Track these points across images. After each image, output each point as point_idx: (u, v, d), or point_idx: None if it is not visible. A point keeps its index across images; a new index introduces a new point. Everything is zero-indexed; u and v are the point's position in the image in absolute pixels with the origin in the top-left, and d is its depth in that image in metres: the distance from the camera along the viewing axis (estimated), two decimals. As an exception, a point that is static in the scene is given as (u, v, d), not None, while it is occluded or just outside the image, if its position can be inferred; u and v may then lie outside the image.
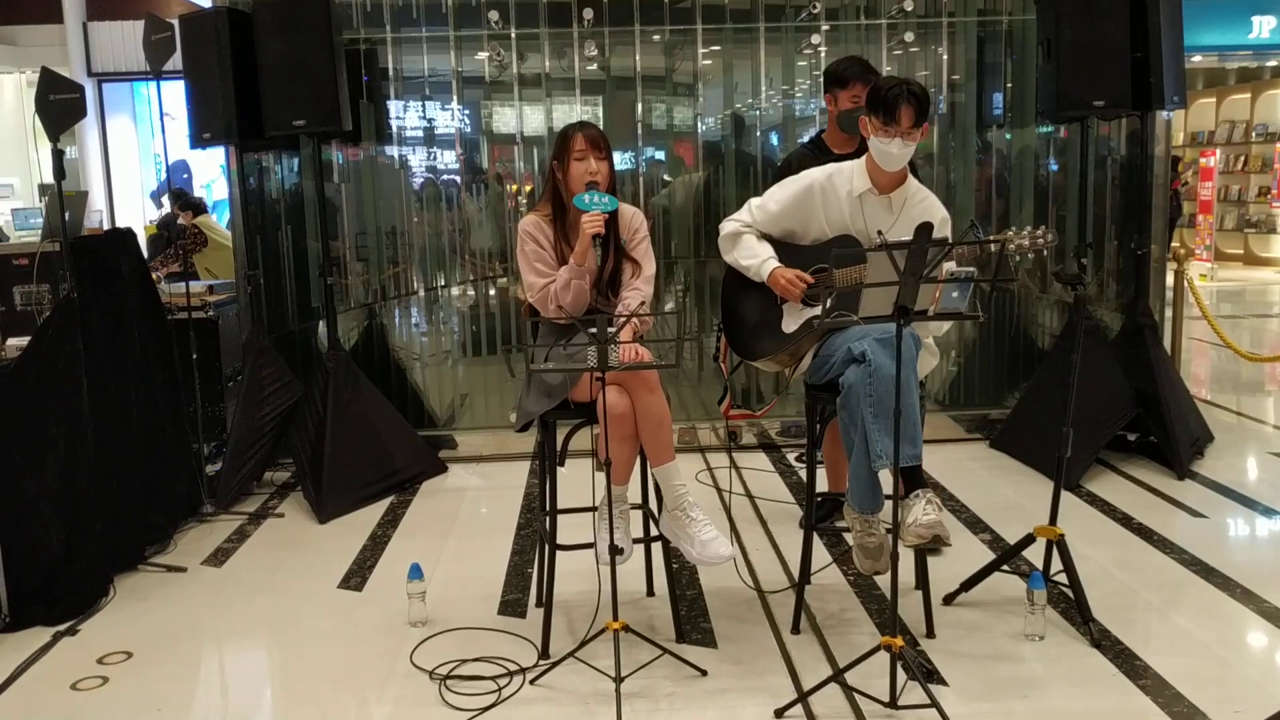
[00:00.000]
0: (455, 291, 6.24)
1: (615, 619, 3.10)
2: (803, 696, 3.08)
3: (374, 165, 6.06)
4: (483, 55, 6.00)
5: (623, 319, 3.28)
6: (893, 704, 2.94)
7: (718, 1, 6.00)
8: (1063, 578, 3.56)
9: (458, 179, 6.19)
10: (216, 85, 5.02)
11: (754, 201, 3.65)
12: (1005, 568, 3.79)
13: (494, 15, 5.84)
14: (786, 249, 3.56)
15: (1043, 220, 6.09)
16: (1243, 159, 15.22)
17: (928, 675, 3.19)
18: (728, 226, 3.64)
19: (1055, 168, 6.12)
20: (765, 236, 3.61)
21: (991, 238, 3.24)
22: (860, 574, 3.89)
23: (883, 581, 3.85)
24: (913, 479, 3.19)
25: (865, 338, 3.17)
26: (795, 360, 3.60)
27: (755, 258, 3.52)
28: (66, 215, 4.09)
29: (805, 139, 4.59)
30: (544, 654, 3.43)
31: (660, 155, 6.30)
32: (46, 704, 3.26)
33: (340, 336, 5.46)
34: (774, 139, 6.29)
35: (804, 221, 3.55)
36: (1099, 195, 5.91)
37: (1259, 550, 4.41)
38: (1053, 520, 3.59)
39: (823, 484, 4.01)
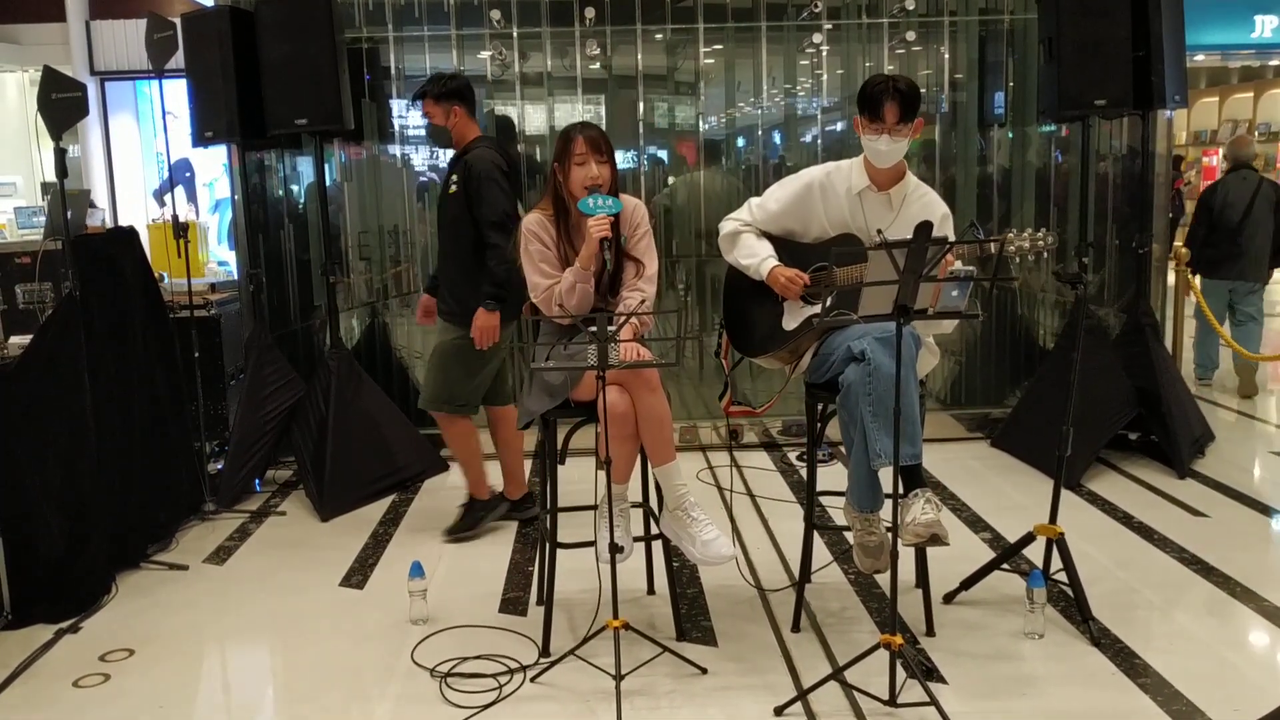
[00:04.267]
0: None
1: (616, 617, 3.11)
2: (803, 694, 3.09)
3: (376, 164, 6.06)
4: (485, 54, 6.01)
5: (623, 318, 3.28)
6: (892, 702, 2.95)
7: (719, 0, 6.00)
8: (1063, 576, 3.57)
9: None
10: (219, 84, 5.03)
11: (754, 201, 3.65)
12: (1005, 566, 3.80)
13: (496, 14, 5.85)
14: (788, 247, 3.56)
15: (1044, 219, 6.10)
16: (1245, 158, 15.18)
17: (927, 673, 3.19)
18: (727, 226, 3.64)
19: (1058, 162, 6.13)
20: (766, 235, 3.61)
21: (992, 238, 3.24)
22: (860, 572, 3.90)
23: (883, 580, 3.85)
24: (912, 478, 3.20)
25: (865, 337, 3.17)
26: (795, 358, 3.60)
27: (754, 256, 3.52)
28: (69, 214, 4.10)
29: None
30: (545, 652, 3.44)
31: (662, 154, 6.31)
32: (48, 701, 3.27)
33: (342, 335, 5.47)
34: (776, 138, 6.30)
35: (804, 220, 3.55)
36: (1100, 194, 5.91)
37: (1259, 549, 4.41)
38: (1053, 519, 3.60)
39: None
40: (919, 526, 3.10)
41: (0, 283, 4.44)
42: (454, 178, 4.43)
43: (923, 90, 6.07)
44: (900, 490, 3.14)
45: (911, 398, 3.12)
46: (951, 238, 3.35)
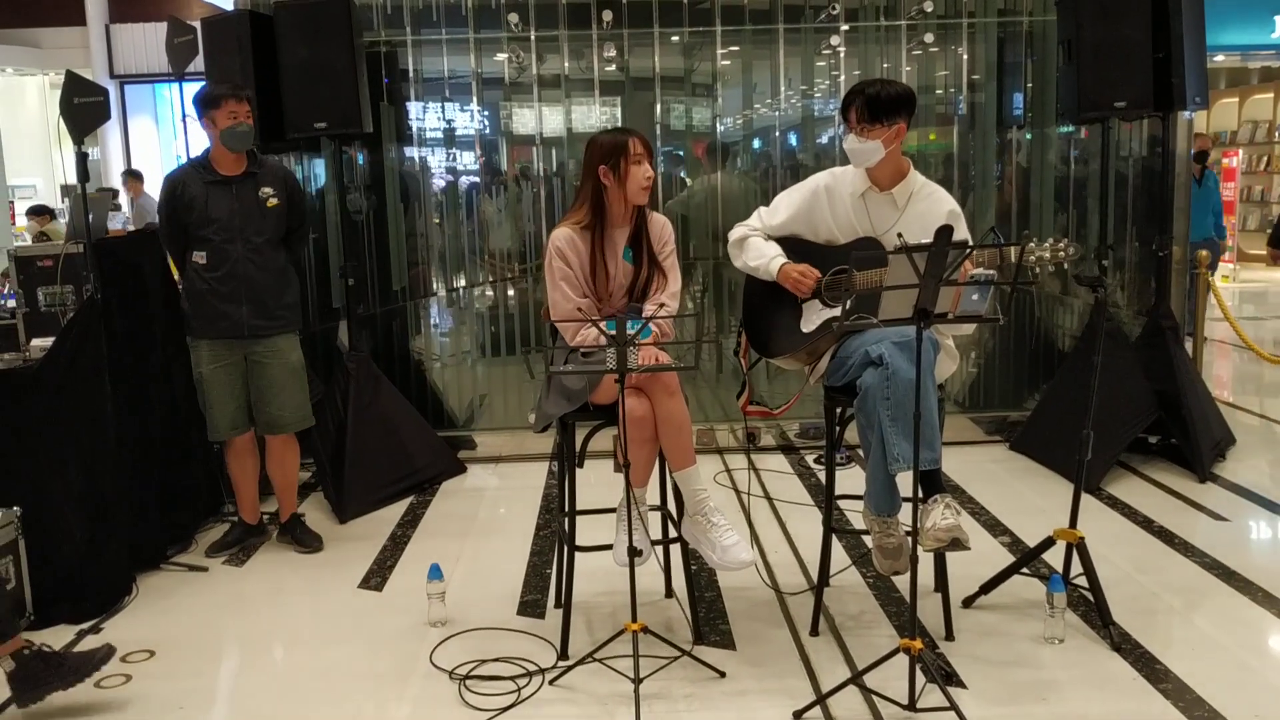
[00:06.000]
0: (475, 292, 6.26)
1: (634, 620, 3.11)
2: (821, 699, 3.09)
3: (394, 167, 6.07)
4: (502, 57, 6.02)
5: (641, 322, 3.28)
6: (911, 706, 2.94)
7: (737, 2, 6.00)
8: (1083, 581, 3.55)
9: (477, 180, 6.21)
10: (238, 87, 5.06)
11: (762, 209, 3.65)
12: (1025, 570, 3.78)
13: (513, 17, 5.86)
14: (804, 252, 3.55)
15: (1063, 220, 6.07)
16: (1266, 159, 15.10)
17: (946, 678, 3.18)
18: (736, 233, 3.64)
19: (1075, 168, 6.10)
20: (776, 240, 3.60)
21: (1012, 243, 3.23)
22: (879, 575, 3.89)
23: (902, 584, 3.84)
24: (931, 483, 3.18)
25: (882, 341, 3.16)
26: (814, 359, 3.59)
27: (763, 257, 3.52)
28: (90, 216, 4.13)
29: (196, 158, 4.47)
30: (563, 655, 3.44)
31: (679, 156, 6.31)
32: (70, 701, 3.28)
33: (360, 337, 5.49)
34: (793, 140, 6.29)
35: (813, 225, 3.55)
36: (1119, 196, 5.88)
37: (1281, 554, 4.39)
38: (1073, 523, 3.58)
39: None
40: (939, 531, 3.09)
41: (22, 285, 4.47)
42: (268, 190, 4.35)
43: (940, 92, 6.13)
44: (919, 495, 3.13)
45: (930, 402, 3.11)
46: (963, 233, 3.34)
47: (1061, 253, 3.22)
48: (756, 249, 3.56)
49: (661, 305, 3.51)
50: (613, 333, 3.00)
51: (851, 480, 4.74)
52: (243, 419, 4.44)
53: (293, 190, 4.48)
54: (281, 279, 4.43)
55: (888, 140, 3.38)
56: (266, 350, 4.38)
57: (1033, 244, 3.21)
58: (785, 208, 3.59)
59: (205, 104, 4.28)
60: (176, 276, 4.64)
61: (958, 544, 3.13)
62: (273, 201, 4.35)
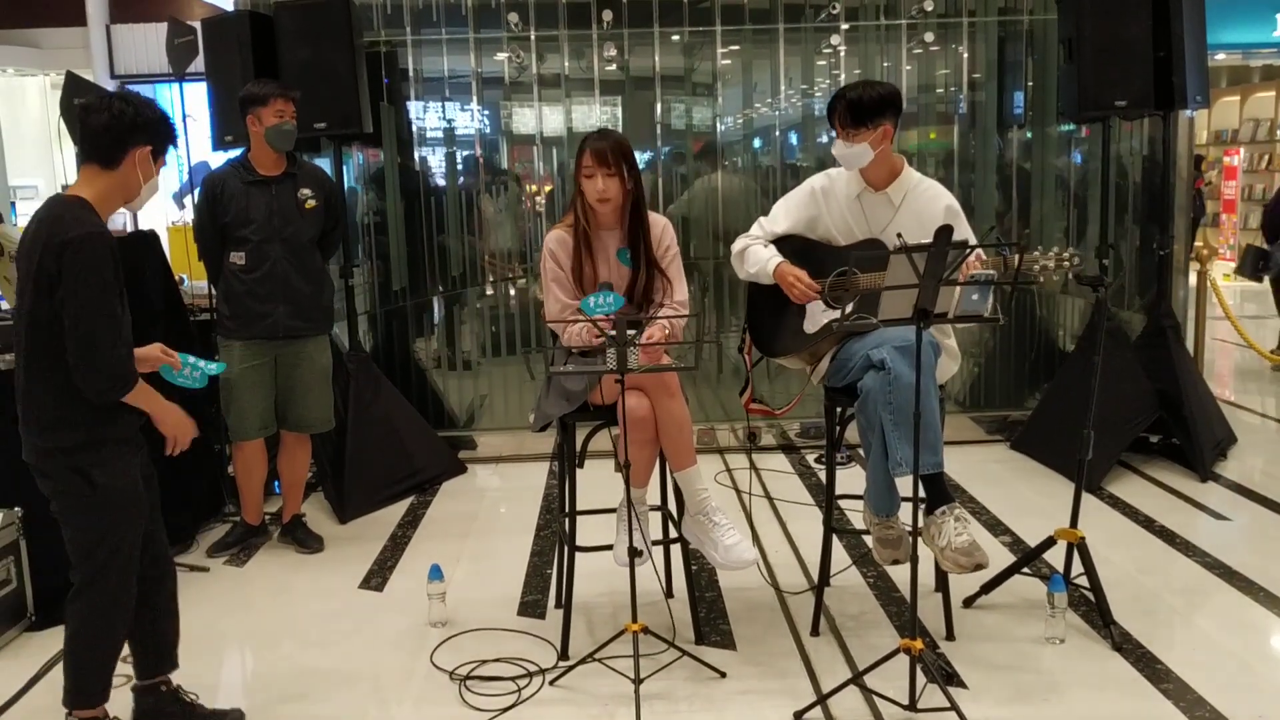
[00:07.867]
0: (475, 292, 6.26)
1: (634, 620, 3.11)
2: (822, 699, 3.09)
3: (394, 167, 6.07)
4: (502, 56, 6.02)
5: (643, 323, 3.28)
6: (912, 707, 2.94)
7: (737, 2, 6.00)
8: (1084, 581, 3.55)
9: (476, 179, 6.21)
10: (238, 88, 5.03)
11: (762, 219, 3.64)
12: (1026, 570, 3.78)
13: (513, 17, 5.86)
14: (806, 254, 3.54)
15: (1063, 220, 6.06)
16: (1267, 158, 15.08)
17: (947, 678, 3.18)
18: (737, 245, 3.63)
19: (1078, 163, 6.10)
20: (781, 241, 3.59)
21: (1014, 243, 3.22)
22: (880, 575, 3.89)
23: (902, 583, 3.84)
24: (937, 491, 3.17)
25: (883, 345, 3.15)
26: (816, 360, 3.59)
27: (760, 262, 3.51)
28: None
29: (235, 159, 4.48)
30: (563, 655, 3.44)
31: (679, 157, 6.30)
32: (71, 702, 3.28)
33: (360, 338, 5.49)
34: (793, 139, 6.29)
35: (813, 227, 3.55)
36: (1120, 195, 5.87)
37: (1283, 553, 4.38)
38: (1074, 523, 3.58)
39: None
40: (958, 555, 3.08)
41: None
42: (306, 191, 4.39)
43: (940, 91, 6.13)
44: (924, 500, 3.12)
45: (932, 405, 3.10)
46: (964, 229, 3.33)
47: (1066, 263, 3.21)
48: (755, 256, 3.55)
49: (667, 329, 3.50)
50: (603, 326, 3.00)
51: (852, 480, 4.73)
52: (271, 419, 4.46)
53: (330, 193, 4.52)
54: (318, 280, 4.45)
55: (874, 142, 3.36)
56: (299, 352, 4.40)
57: (1037, 252, 3.20)
58: (785, 215, 3.58)
59: (251, 102, 4.28)
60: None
61: (979, 568, 3.12)
62: (311, 203, 4.38)
